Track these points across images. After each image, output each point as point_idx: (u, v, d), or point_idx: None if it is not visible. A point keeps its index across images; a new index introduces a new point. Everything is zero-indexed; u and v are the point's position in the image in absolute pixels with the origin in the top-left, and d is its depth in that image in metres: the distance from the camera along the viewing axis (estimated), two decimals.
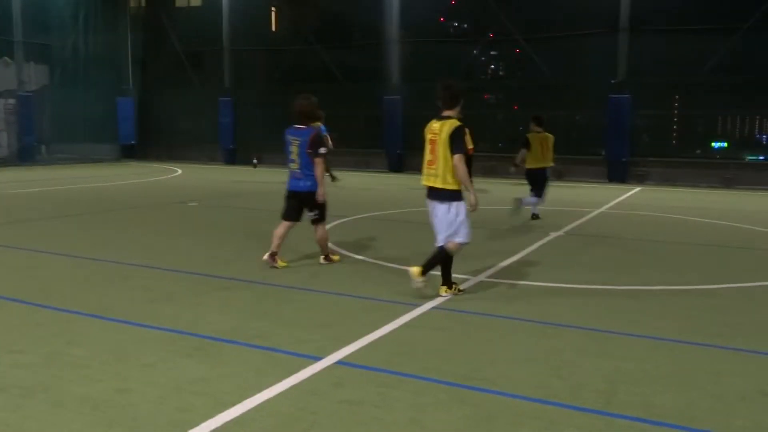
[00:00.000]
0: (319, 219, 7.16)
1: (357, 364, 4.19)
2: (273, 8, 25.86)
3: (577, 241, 9.07)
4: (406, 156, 21.38)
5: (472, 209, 5.77)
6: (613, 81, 18.99)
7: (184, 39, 26.36)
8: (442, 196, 5.70)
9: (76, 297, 5.70)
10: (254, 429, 3.30)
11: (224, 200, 13.52)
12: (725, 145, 19.06)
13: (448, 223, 5.72)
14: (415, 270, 5.73)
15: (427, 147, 5.76)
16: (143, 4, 27.96)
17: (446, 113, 5.75)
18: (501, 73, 23.75)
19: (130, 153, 26.69)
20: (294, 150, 7.00)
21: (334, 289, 6.07)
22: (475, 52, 22.42)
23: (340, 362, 4.21)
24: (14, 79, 23.10)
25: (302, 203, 7.12)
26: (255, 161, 24.19)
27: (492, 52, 23.25)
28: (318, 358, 4.24)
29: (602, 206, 12.03)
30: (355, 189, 16.09)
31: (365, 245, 8.36)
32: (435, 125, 5.75)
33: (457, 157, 5.57)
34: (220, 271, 6.74)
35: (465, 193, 5.75)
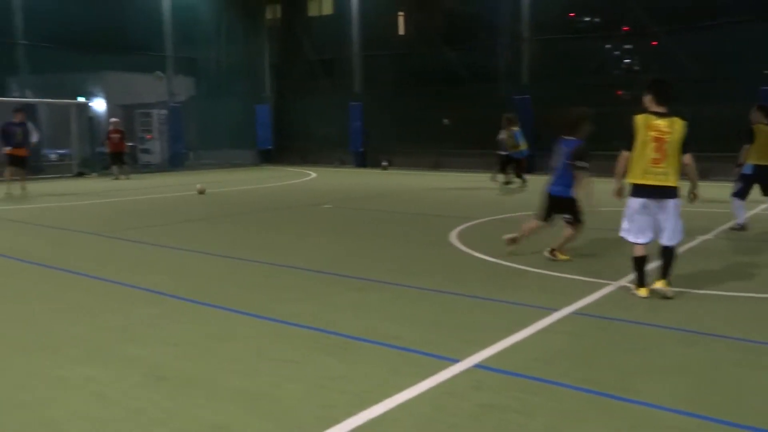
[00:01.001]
0: (574, 222, 7.33)
1: (495, 368, 4.15)
2: (401, 13, 26.22)
3: (728, 245, 8.46)
4: (536, 157, 20.92)
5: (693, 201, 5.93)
6: (766, 72, 17.56)
7: (316, 47, 27.38)
8: (673, 194, 5.71)
9: (223, 294, 6.07)
10: (395, 428, 3.36)
11: (356, 203, 13.87)
12: None
13: (675, 222, 5.70)
14: (661, 285, 5.73)
15: (651, 145, 5.66)
16: (278, 15, 29.32)
17: (661, 110, 5.71)
18: (636, 68, 22.64)
19: (268, 157, 28.05)
20: (559, 158, 7.32)
21: (469, 292, 6.05)
22: (607, 47, 21.55)
23: (477, 365, 4.19)
24: (166, 92, 24.98)
25: (556, 207, 7.39)
26: (384, 164, 24.64)
27: (626, 46, 22.24)
28: (455, 360, 4.24)
29: (757, 207, 11.14)
30: (488, 190, 15.95)
31: (499, 248, 8.25)
32: (659, 123, 5.66)
33: (689, 155, 5.68)
34: (355, 272, 6.92)
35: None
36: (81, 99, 22.79)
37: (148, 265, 7.50)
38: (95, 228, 10.14)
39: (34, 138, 15.52)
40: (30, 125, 15.49)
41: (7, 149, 14.95)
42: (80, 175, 21.32)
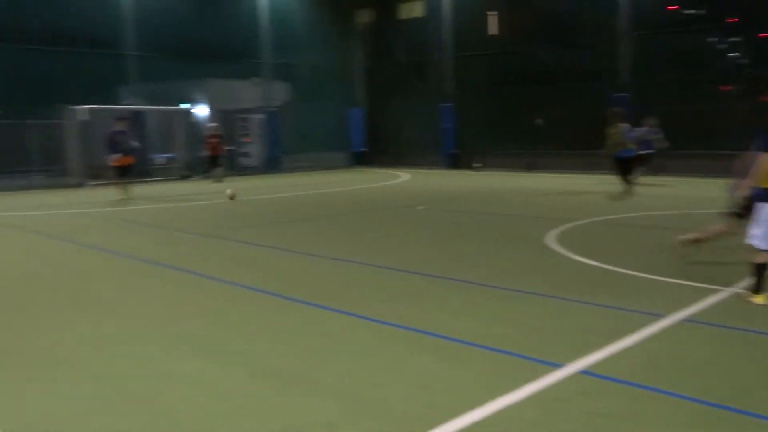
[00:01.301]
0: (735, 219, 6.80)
1: (601, 375, 4.02)
2: (493, 12, 25.92)
3: None
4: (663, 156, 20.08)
5: None
6: None
7: (407, 49, 27.54)
8: None
9: (323, 293, 6.19)
10: None
11: (450, 204, 13.82)
12: None
13: None
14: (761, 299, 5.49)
15: None
16: (370, 19, 29.67)
17: None
18: (743, 61, 21.37)
19: (361, 160, 28.43)
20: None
21: (570, 296, 5.90)
22: (712, 40, 20.46)
23: (583, 371, 4.08)
24: (263, 97, 25.81)
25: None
26: (477, 165, 24.44)
27: (732, 39, 21.03)
28: (559, 366, 4.14)
29: None
30: (586, 191, 15.51)
31: (600, 251, 8.01)
32: None
33: None
34: (455, 274, 6.89)
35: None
36: (184, 105, 23.90)
37: (251, 264, 7.77)
38: (198, 228, 10.60)
39: (135, 145, 15.75)
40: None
41: (117, 158, 14.91)
42: (184, 178, 22.36)
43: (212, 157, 20.93)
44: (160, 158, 24.30)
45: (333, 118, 27.86)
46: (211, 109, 25.94)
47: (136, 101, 22.64)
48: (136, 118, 22.38)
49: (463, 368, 4.19)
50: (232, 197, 14.51)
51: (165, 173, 22.99)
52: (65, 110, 20.01)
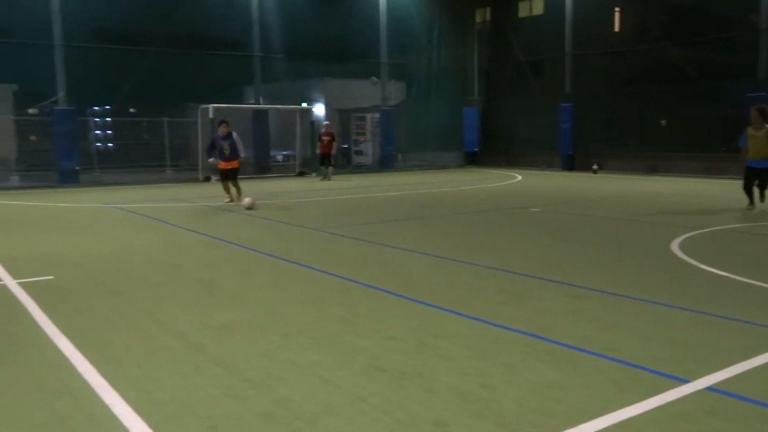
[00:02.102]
0: None
1: (731, 393, 3.78)
2: (616, 9, 24.93)
3: None
4: None
5: None
6: None
7: (526, 48, 27.02)
8: None
9: (437, 293, 6.21)
10: None
11: (565, 206, 13.45)
12: None
13: None
14: None
15: None
16: (488, 18, 29.37)
17: None
18: None
19: (473, 160, 28.25)
20: None
21: (696, 307, 5.58)
22: None
23: (710, 388, 3.85)
24: (379, 96, 26.21)
25: None
26: (595, 167, 23.63)
27: None
28: (685, 381, 3.93)
29: None
30: (713, 196, 14.62)
31: (730, 260, 7.52)
32: None
33: None
34: (569, 278, 6.70)
35: None
36: (304, 104, 24.70)
37: (364, 261, 7.92)
38: (314, 224, 10.93)
39: (242, 152, 14.23)
40: (236, 137, 14.05)
41: (219, 163, 14.08)
42: (301, 174, 23.12)
43: (324, 155, 21.32)
44: (279, 155, 25.27)
45: (447, 118, 27.86)
46: (329, 108, 26.65)
47: (259, 100, 23.66)
48: (259, 116, 23.40)
49: (578, 376, 4.07)
50: (250, 207, 12.76)
51: (283, 170, 23.88)
52: (196, 109, 21.26)
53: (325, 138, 21.27)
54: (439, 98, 27.94)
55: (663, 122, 22.08)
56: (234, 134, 14.04)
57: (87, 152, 21.09)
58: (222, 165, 14.03)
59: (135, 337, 4.95)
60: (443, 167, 26.98)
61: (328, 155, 21.29)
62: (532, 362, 4.32)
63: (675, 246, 8.49)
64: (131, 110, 23.10)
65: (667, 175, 21.61)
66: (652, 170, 22.33)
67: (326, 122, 22.39)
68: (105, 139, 23.30)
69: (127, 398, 3.76)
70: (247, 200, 13.05)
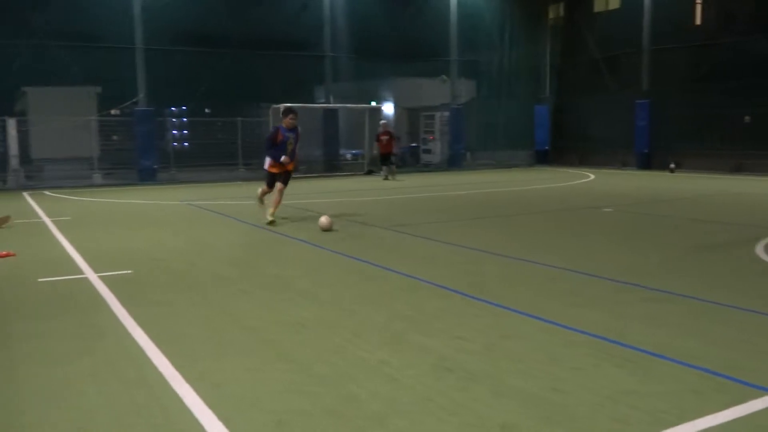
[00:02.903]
0: None
1: None
2: (698, 0, 23.93)
3: None
4: None
5: None
6: None
7: (601, 43, 26.28)
8: None
9: (506, 293, 6.11)
10: None
11: (640, 207, 13.00)
12: None
13: None
14: None
15: None
16: (561, 13, 28.74)
17: None
18: None
19: (544, 158, 27.73)
20: None
21: None
22: None
23: None
24: (449, 94, 26.07)
25: None
26: (672, 166, 22.79)
27: None
28: (767, 390, 3.73)
29: None
30: None
31: None
32: None
33: None
34: (645, 281, 6.46)
35: None
36: (373, 103, 24.82)
37: (432, 260, 7.87)
38: (380, 222, 10.94)
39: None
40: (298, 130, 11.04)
41: (276, 164, 10.71)
42: (369, 173, 23.23)
43: (384, 155, 20.95)
44: (348, 154, 25.48)
45: (518, 116, 27.47)
46: (398, 106, 26.68)
47: (330, 99, 23.93)
48: (329, 115, 23.66)
49: (655, 383, 3.91)
50: (328, 228, 9.99)
51: (352, 168, 24.07)
52: (268, 108, 21.71)
53: (384, 137, 20.89)
54: (509, 96, 27.56)
55: (747, 118, 21.05)
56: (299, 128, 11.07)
57: (164, 151, 21.86)
58: (280, 166, 10.70)
59: (208, 331, 5.07)
60: (513, 166, 26.59)
61: (388, 155, 20.94)
62: (606, 367, 4.18)
63: (760, 249, 8.07)
64: (206, 110, 23.81)
65: (753, 174, 20.59)
66: (736, 169, 21.33)
67: (383, 121, 22.18)
68: (181, 139, 24.09)
69: (198, 390, 3.85)
70: (324, 220, 10.10)
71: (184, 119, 23.96)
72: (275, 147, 10.69)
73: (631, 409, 3.54)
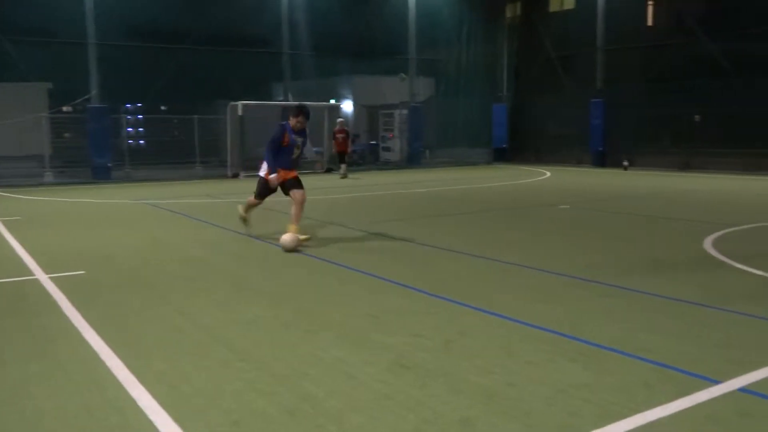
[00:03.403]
0: None
1: (765, 395, 3.68)
2: (650, 2, 24.51)
3: None
4: None
5: None
6: None
7: (556, 43, 26.71)
8: None
9: (463, 290, 6.16)
10: None
11: (595, 204, 13.27)
12: None
13: None
14: None
15: None
16: (518, 13, 29.10)
17: None
18: None
19: (502, 156, 28.04)
20: None
21: (730, 306, 5.45)
22: None
23: (743, 389, 3.76)
24: (408, 92, 26.15)
25: None
26: (625, 163, 23.31)
27: None
28: (716, 382, 3.84)
29: None
30: (748, 193, 14.29)
31: (765, 259, 7.34)
32: None
33: None
34: (600, 278, 6.60)
35: None
36: (333, 101, 24.74)
37: (393, 258, 7.90)
38: (337, 220, 10.93)
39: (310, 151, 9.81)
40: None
41: (279, 172, 8.80)
42: (328, 171, 23.15)
43: (340, 153, 20.83)
44: (309, 152, 25.32)
45: (476, 114, 27.73)
46: (357, 104, 26.65)
47: (288, 97, 23.77)
48: (287, 113, 23.47)
49: (607, 376, 4.00)
50: (292, 249, 8.24)
51: (312, 166, 23.95)
52: (225, 106, 21.45)
53: (339, 135, 20.74)
54: (467, 94, 27.78)
55: (697, 117, 21.66)
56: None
57: (119, 149, 21.41)
58: (282, 174, 8.84)
59: (163, 332, 5.00)
60: (472, 164, 26.82)
61: (343, 153, 20.81)
62: (560, 361, 4.26)
63: (708, 244, 8.32)
64: (162, 108, 23.39)
65: (702, 171, 21.20)
66: (686, 167, 21.92)
67: (340, 119, 22.05)
68: (137, 136, 23.63)
69: (153, 392, 3.79)
70: (287, 238, 8.30)
71: (140, 116, 23.49)
72: (279, 151, 8.76)
73: (583, 402, 3.61)
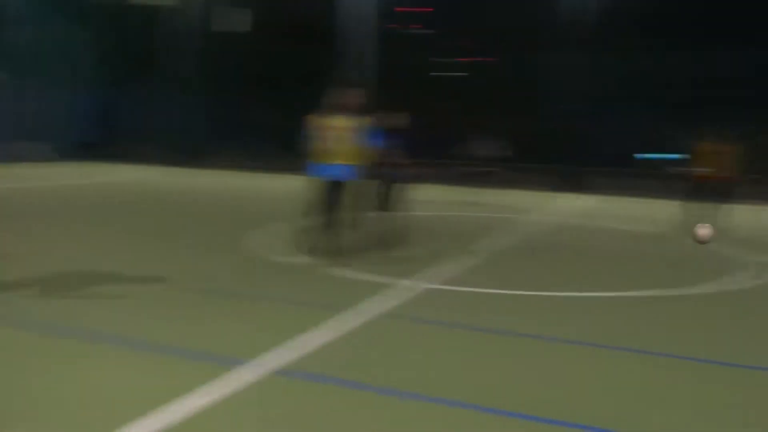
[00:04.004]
0: None
1: (295, 372, 4.07)
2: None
3: None
4: None
5: None
6: None
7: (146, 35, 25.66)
8: None
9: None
10: None
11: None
12: None
13: None
14: None
15: None
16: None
17: None
18: None
19: (85, 152, 25.37)
20: None
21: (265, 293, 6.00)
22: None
23: (279, 372, 4.08)
24: None
25: None
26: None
27: None
28: (244, 363, 4.11)
29: None
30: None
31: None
32: None
33: None
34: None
35: None
36: None
37: None
38: None
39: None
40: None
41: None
42: None
43: None
44: None
45: (54, 104, 24.53)
46: None
47: None
48: None
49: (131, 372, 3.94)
50: None
51: None
52: None
53: None
54: (45, 81, 24.22)
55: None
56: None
57: None
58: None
59: None
60: (51, 160, 23.41)
61: None
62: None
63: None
64: None
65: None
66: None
67: None
68: None
69: None
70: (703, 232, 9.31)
71: None
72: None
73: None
